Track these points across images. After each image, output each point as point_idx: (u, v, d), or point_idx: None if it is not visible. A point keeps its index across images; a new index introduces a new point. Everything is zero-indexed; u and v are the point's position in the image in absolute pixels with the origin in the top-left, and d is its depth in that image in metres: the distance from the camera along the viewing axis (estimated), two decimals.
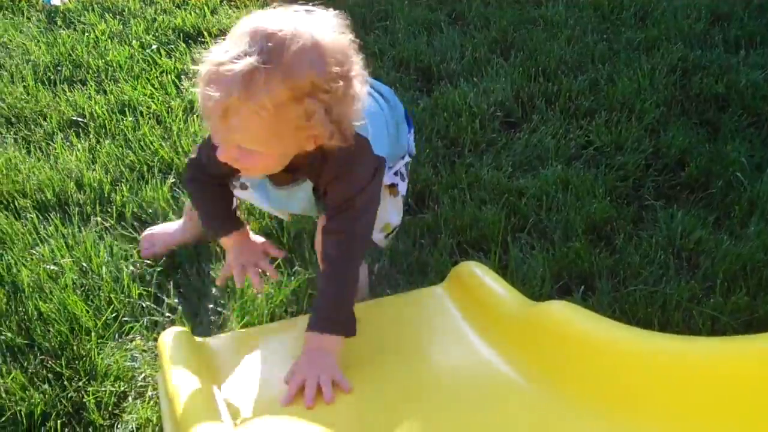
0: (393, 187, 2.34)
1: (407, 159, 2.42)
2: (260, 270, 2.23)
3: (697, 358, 1.70)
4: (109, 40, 4.07)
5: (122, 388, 2.16)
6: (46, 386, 2.15)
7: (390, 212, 2.36)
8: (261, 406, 1.88)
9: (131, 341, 2.33)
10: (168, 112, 3.41)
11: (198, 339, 2.13)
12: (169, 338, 2.02)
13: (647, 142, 3.12)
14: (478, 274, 2.17)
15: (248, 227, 2.31)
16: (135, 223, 2.78)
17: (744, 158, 2.97)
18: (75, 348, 2.26)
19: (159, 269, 2.56)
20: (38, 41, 4.08)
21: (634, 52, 3.83)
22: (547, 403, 1.79)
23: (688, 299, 2.32)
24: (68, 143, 3.23)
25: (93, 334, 2.29)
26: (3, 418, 2.08)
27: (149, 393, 2.15)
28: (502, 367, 1.92)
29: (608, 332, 1.82)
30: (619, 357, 1.77)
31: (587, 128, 3.22)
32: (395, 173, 2.35)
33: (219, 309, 2.42)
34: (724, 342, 1.81)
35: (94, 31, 4.15)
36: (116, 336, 2.34)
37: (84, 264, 2.55)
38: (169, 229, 2.69)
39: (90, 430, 2.05)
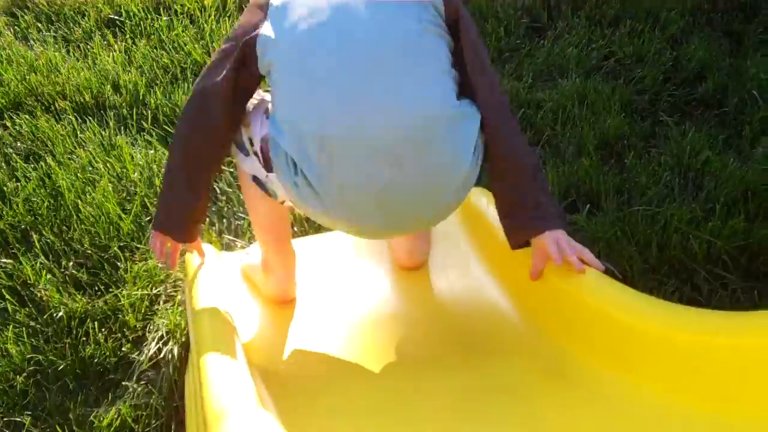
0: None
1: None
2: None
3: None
4: None
5: (154, 291, 2.35)
6: (83, 289, 2.34)
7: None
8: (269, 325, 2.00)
9: None
10: (201, 11, 3.50)
11: (223, 253, 2.27)
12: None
13: (668, 55, 3.16)
14: (483, 202, 2.12)
15: None
16: (167, 127, 2.92)
17: (763, 74, 3.01)
18: (111, 250, 2.44)
19: None
20: None
21: None
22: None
23: (687, 222, 2.42)
24: (106, 42, 3.35)
25: (128, 237, 2.48)
26: (45, 316, 2.28)
27: (179, 297, 2.34)
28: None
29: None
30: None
31: (611, 38, 3.27)
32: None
33: (242, 215, 2.58)
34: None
35: None
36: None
37: (119, 168, 2.71)
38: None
39: (124, 330, 2.25)
